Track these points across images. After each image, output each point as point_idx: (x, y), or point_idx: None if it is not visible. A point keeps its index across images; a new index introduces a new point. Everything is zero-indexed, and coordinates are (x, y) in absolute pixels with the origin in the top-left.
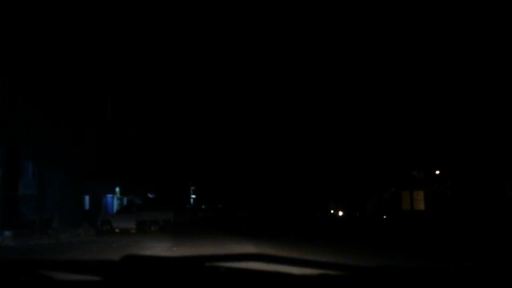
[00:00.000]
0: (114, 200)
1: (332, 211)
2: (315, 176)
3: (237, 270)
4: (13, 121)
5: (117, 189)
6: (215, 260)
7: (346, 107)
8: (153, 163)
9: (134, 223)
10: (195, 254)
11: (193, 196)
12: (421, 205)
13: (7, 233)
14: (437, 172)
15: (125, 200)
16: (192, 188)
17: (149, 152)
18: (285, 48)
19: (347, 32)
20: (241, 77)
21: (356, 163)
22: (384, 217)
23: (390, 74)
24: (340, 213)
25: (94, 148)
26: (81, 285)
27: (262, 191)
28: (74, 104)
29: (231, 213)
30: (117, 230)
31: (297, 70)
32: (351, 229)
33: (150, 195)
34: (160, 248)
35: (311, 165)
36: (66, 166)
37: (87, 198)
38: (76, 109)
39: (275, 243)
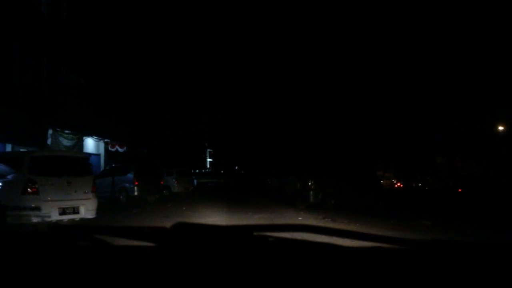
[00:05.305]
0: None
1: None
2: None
3: (286, 241)
4: None
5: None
6: (264, 230)
7: None
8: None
9: None
10: (243, 224)
11: (210, 159)
12: None
13: None
14: None
15: None
16: (209, 150)
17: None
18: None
19: None
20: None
21: None
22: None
23: None
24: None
25: None
26: (136, 250)
27: (298, 154)
28: None
29: (258, 180)
30: None
31: None
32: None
33: (120, 149)
34: None
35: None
36: None
37: None
38: None
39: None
